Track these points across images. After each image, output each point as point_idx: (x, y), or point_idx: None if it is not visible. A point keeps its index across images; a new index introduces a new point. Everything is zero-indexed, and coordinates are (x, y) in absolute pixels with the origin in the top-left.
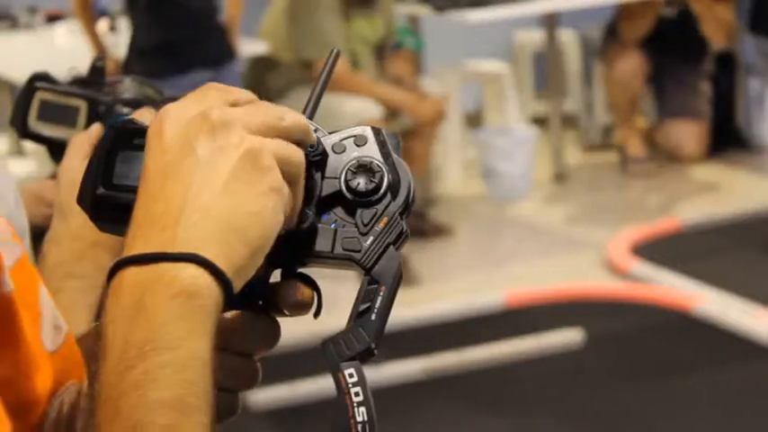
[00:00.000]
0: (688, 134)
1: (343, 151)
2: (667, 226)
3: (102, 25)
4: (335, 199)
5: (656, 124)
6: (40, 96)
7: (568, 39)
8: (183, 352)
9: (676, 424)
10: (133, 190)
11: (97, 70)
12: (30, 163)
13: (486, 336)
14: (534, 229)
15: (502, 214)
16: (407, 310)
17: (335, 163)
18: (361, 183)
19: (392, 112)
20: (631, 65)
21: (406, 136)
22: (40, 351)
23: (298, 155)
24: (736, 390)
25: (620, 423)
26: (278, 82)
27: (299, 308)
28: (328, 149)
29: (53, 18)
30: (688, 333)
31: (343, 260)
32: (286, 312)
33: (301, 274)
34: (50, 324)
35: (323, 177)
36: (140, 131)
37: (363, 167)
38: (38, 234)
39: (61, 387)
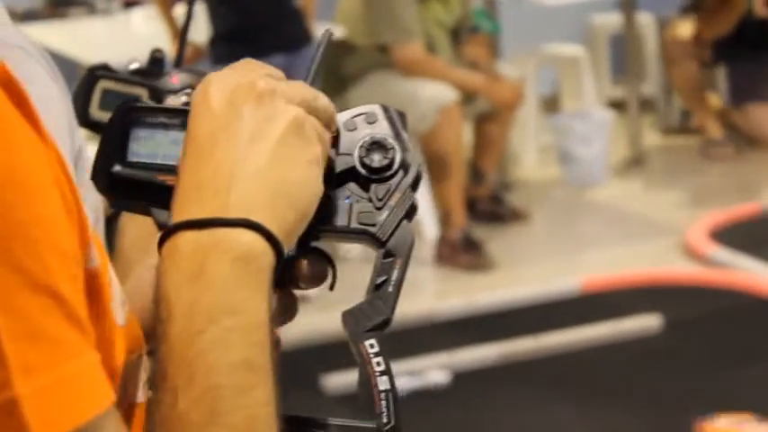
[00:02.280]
0: None
1: (355, 129)
2: (747, 210)
3: (179, 10)
4: (349, 175)
5: (731, 107)
6: (102, 85)
7: (646, 21)
8: (248, 315)
9: (755, 411)
10: (148, 167)
11: (156, 61)
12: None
13: (563, 321)
14: (611, 214)
15: (579, 199)
16: (484, 294)
17: (348, 140)
18: (375, 159)
19: (468, 97)
20: (687, 63)
21: (482, 120)
22: (116, 325)
23: (327, 135)
24: None
25: (697, 409)
26: (354, 66)
27: (314, 281)
28: (340, 127)
29: (130, 4)
30: (767, 319)
31: (359, 234)
32: (301, 286)
33: (316, 248)
34: (119, 299)
35: (337, 154)
36: (150, 110)
37: (377, 144)
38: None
39: (127, 360)
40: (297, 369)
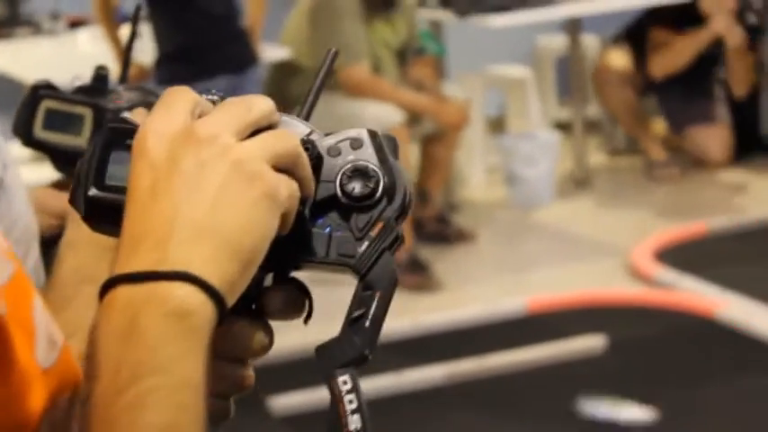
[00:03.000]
0: (713, 139)
1: (339, 154)
2: (692, 231)
3: (125, 31)
4: (330, 203)
5: (669, 131)
6: (45, 105)
7: (591, 43)
8: (177, 375)
9: (699, 430)
10: (125, 191)
11: (101, 78)
12: (49, 170)
13: (508, 342)
14: (557, 235)
15: (524, 220)
16: (429, 315)
17: (330, 166)
18: (356, 187)
19: (414, 118)
20: (621, 91)
21: (428, 141)
22: (33, 370)
23: (284, 142)
24: (760, 396)
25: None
26: (299, 88)
27: (290, 313)
28: (323, 153)
29: (76, 24)
30: (711, 339)
31: (338, 265)
32: (276, 317)
33: (293, 279)
34: (45, 339)
35: (318, 181)
36: (132, 131)
37: (359, 171)
38: (41, 243)
39: (55, 402)
40: None
